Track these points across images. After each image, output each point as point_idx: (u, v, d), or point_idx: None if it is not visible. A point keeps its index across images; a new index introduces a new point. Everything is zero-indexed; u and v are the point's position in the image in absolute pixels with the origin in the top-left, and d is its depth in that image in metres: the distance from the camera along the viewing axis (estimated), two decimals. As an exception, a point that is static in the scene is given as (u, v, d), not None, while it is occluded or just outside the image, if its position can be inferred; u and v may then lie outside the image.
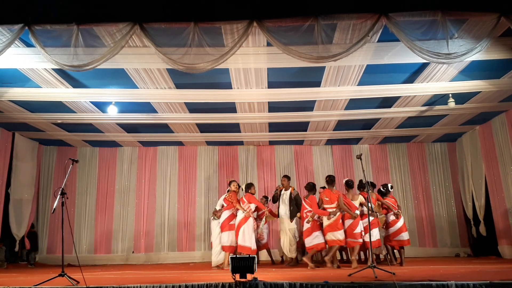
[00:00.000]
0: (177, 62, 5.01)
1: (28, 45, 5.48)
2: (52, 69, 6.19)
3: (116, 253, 10.38)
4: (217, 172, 10.97)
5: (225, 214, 7.42)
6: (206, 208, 10.69)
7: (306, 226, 7.13)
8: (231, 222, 7.32)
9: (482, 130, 9.51)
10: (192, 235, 10.49)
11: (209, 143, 10.90)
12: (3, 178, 9.04)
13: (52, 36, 4.94)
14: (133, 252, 10.39)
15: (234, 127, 9.49)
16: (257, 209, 7.80)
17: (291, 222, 7.69)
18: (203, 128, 9.50)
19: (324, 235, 6.96)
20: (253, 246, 7.06)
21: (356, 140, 10.89)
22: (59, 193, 4.95)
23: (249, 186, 7.58)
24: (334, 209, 6.81)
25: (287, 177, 8.10)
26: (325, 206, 6.93)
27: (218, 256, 7.37)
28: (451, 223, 10.60)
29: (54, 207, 4.86)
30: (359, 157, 5.66)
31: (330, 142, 10.93)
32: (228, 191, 7.72)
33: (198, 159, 11.04)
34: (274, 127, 9.51)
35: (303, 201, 7.49)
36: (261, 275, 4.68)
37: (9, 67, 6.10)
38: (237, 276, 4.37)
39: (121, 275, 6.46)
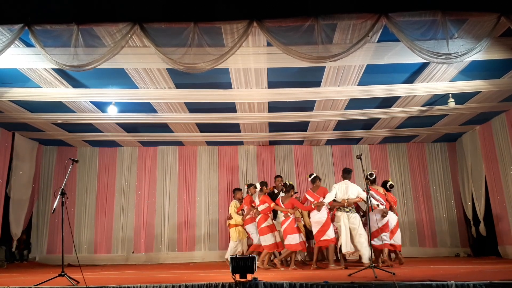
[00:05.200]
0: (177, 62, 5.01)
1: (28, 45, 5.48)
2: (52, 69, 6.18)
3: (116, 253, 10.38)
4: (217, 172, 10.96)
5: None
6: (206, 208, 10.68)
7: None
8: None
9: (482, 130, 9.51)
10: (192, 235, 10.49)
11: (209, 143, 10.90)
12: (3, 178, 9.04)
13: (52, 36, 4.94)
14: (133, 252, 10.38)
15: (234, 127, 9.49)
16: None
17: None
18: (203, 128, 9.50)
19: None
20: None
21: (356, 140, 10.89)
22: (59, 193, 4.96)
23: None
24: None
25: (280, 177, 8.21)
26: None
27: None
28: (451, 223, 10.60)
29: (54, 207, 4.88)
30: (359, 157, 5.67)
31: (330, 142, 10.93)
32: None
33: (198, 159, 11.04)
34: (274, 127, 9.52)
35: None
36: (261, 275, 4.68)
37: (9, 67, 6.09)
38: (237, 276, 4.38)
39: (121, 275, 6.46)
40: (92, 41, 5.00)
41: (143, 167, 10.95)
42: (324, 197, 6.85)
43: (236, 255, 5.57)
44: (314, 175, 7.35)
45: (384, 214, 7.07)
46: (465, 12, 4.87)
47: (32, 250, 10.14)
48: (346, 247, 6.69)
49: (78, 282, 4.63)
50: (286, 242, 6.90)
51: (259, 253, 7.30)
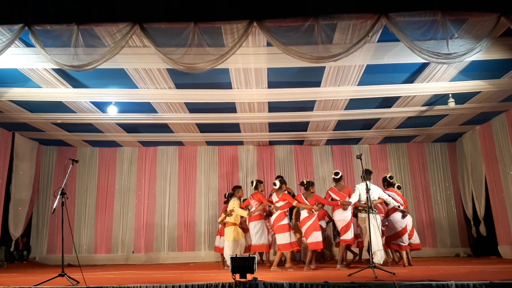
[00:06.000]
0: (177, 62, 5.01)
1: (28, 45, 5.48)
2: (52, 69, 6.18)
3: (116, 253, 10.39)
4: (217, 172, 10.96)
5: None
6: (206, 208, 10.69)
7: None
8: None
9: (482, 130, 9.51)
10: (192, 235, 10.49)
11: (209, 143, 10.90)
12: (3, 178, 9.05)
13: (52, 36, 4.94)
14: (133, 252, 10.39)
15: (234, 127, 9.49)
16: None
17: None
18: (203, 128, 9.50)
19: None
20: None
21: (356, 140, 10.89)
22: (59, 193, 4.96)
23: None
24: None
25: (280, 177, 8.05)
26: None
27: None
28: (451, 223, 10.60)
29: (54, 207, 4.87)
30: (359, 157, 5.67)
31: (330, 142, 10.93)
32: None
33: (198, 159, 11.04)
34: (274, 127, 9.51)
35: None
36: (261, 275, 4.68)
37: (9, 67, 6.10)
38: (237, 276, 4.37)
39: (121, 275, 6.46)
40: (92, 41, 5.00)
41: (143, 167, 10.95)
42: (349, 197, 6.82)
43: (236, 255, 5.52)
44: (340, 173, 7.26)
45: (404, 215, 7.21)
46: (465, 12, 4.87)
47: (32, 250, 10.14)
48: (374, 247, 6.56)
49: (78, 282, 4.63)
50: (309, 240, 6.71)
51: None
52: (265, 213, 7.69)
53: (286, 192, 7.12)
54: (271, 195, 7.51)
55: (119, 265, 9.39)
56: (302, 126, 9.48)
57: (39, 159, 10.46)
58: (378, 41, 5.53)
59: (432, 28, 4.88)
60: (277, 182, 7.02)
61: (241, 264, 4.41)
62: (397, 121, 9.12)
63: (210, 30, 4.97)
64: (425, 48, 4.89)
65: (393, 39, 5.20)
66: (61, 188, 4.98)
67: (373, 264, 5.06)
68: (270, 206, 7.08)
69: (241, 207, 7.38)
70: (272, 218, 6.95)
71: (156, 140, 10.51)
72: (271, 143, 11.03)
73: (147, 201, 10.74)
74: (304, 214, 6.86)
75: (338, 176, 7.21)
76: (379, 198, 6.83)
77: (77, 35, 4.86)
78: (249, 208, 7.38)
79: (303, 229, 6.85)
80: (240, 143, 10.99)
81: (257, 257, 7.13)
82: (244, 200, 7.91)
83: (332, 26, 5.00)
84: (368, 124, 9.37)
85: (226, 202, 8.35)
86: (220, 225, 8.18)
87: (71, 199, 10.23)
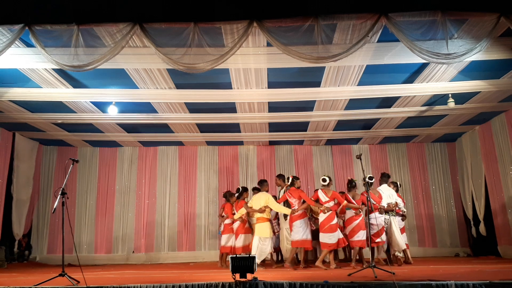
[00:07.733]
0: (177, 62, 5.02)
1: (28, 45, 5.49)
2: (52, 69, 6.19)
3: (116, 253, 10.40)
4: (217, 172, 10.97)
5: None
6: (206, 208, 10.70)
7: None
8: None
9: (482, 130, 9.51)
10: (192, 235, 10.50)
11: (209, 143, 10.91)
12: (4, 178, 9.05)
13: (52, 36, 4.95)
14: (133, 252, 10.40)
15: (234, 127, 9.50)
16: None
17: (285, 220, 7.43)
18: (203, 128, 9.51)
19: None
20: None
21: (356, 140, 10.90)
22: (60, 193, 4.97)
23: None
24: None
25: (281, 176, 7.90)
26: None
27: None
28: (451, 223, 10.61)
29: (54, 207, 4.88)
30: (359, 157, 5.68)
31: (330, 142, 10.94)
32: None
33: (198, 159, 11.05)
34: (274, 127, 9.52)
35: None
36: (261, 275, 4.68)
37: (9, 67, 6.10)
38: (237, 276, 4.38)
39: (121, 275, 6.46)
40: (92, 41, 5.01)
41: (143, 167, 10.96)
42: (382, 201, 7.18)
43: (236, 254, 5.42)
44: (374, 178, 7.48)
45: (403, 218, 7.73)
46: (465, 12, 4.88)
47: (33, 250, 10.16)
48: (401, 246, 7.19)
49: (78, 282, 4.64)
50: (356, 238, 6.88)
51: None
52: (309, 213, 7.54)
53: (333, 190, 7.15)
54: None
55: (119, 265, 9.39)
56: (302, 126, 9.49)
57: (39, 159, 10.47)
58: (378, 41, 5.53)
59: (432, 28, 4.89)
60: (327, 179, 6.97)
61: (241, 264, 4.41)
62: (397, 121, 9.13)
63: (210, 30, 4.98)
64: (425, 48, 4.90)
65: (393, 39, 5.21)
66: (61, 188, 4.99)
67: (373, 264, 5.07)
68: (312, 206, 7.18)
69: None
70: (322, 218, 6.81)
71: (156, 140, 10.52)
72: (271, 143, 11.04)
73: (147, 201, 10.75)
74: (350, 213, 7.07)
75: (372, 181, 7.38)
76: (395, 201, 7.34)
77: (77, 35, 4.86)
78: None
79: (349, 228, 7.08)
80: (240, 143, 10.99)
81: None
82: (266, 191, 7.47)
83: (332, 26, 5.01)
84: (368, 124, 9.37)
85: (226, 198, 8.19)
86: (223, 224, 8.01)
87: (71, 199, 10.24)
